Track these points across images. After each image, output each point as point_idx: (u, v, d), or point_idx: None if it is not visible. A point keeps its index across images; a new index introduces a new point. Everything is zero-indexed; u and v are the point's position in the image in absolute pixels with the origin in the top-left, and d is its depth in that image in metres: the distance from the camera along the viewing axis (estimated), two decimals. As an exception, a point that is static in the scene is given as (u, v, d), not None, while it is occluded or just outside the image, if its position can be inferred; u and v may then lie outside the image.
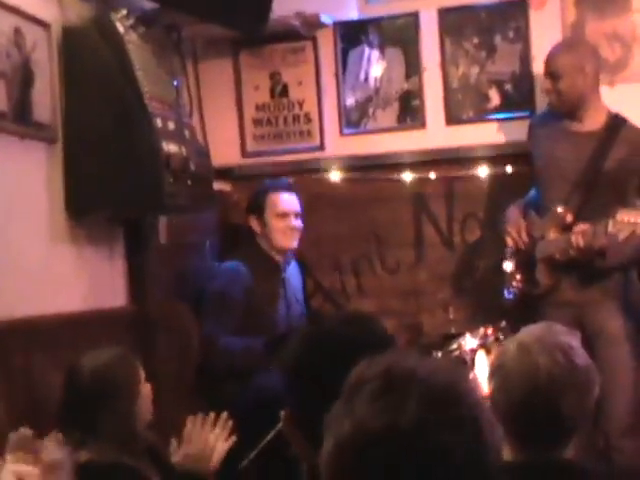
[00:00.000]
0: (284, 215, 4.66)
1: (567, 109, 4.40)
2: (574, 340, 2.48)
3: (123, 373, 2.83)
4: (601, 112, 4.37)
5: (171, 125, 3.97)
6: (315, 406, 1.85)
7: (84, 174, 3.81)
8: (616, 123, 4.40)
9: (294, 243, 4.69)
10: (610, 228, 3.92)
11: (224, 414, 3.09)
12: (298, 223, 4.69)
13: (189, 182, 4.01)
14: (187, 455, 2.99)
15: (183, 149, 3.98)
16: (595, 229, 4.02)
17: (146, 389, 2.89)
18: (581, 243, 4.06)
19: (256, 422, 3.60)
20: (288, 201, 4.73)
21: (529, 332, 2.50)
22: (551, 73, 4.38)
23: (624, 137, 4.35)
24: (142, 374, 2.87)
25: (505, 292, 4.55)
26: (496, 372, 2.47)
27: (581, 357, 2.43)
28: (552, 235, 4.32)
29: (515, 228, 4.50)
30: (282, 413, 2.08)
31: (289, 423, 2.05)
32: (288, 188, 4.82)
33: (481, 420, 1.40)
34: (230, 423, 3.08)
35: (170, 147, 3.87)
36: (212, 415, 3.06)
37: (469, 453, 1.37)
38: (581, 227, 4.13)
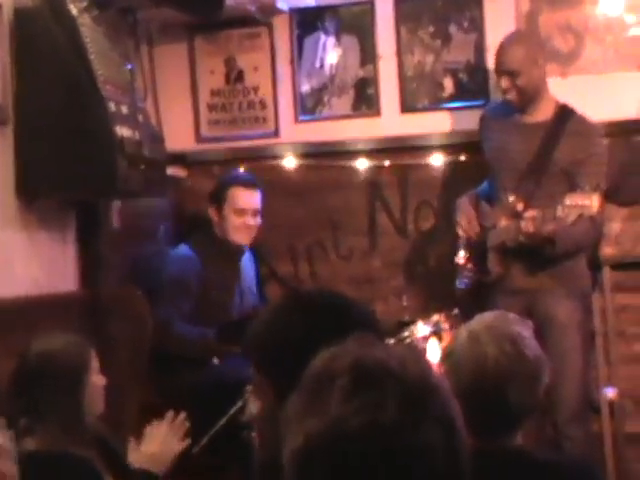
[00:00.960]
0: (242, 212, 4.66)
1: (525, 103, 4.44)
2: (525, 329, 2.50)
3: (71, 359, 2.78)
4: (550, 103, 4.42)
5: (125, 109, 3.94)
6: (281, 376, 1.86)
7: (35, 157, 3.78)
8: (564, 114, 4.45)
9: (248, 240, 4.70)
10: (559, 212, 3.96)
11: (182, 414, 3.08)
12: (255, 221, 4.69)
13: (142, 167, 3.99)
14: (144, 454, 2.98)
15: (137, 133, 3.95)
16: (544, 214, 4.04)
17: (99, 380, 2.84)
18: (531, 229, 4.08)
19: (210, 409, 3.62)
20: (248, 198, 4.72)
21: (481, 320, 2.51)
22: (509, 71, 4.39)
23: (572, 127, 4.40)
24: (95, 364, 2.83)
25: (457, 282, 4.59)
26: (446, 359, 2.49)
27: (530, 347, 2.45)
28: (503, 223, 4.33)
29: (466, 218, 4.54)
30: (247, 388, 2.10)
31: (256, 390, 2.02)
32: (251, 185, 4.81)
33: (455, 414, 1.41)
34: (186, 424, 3.08)
35: (123, 131, 3.84)
36: (170, 414, 3.05)
37: (447, 450, 1.37)
38: (530, 213, 4.15)
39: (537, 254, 4.28)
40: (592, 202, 3.90)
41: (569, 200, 3.95)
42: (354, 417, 1.35)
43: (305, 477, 1.39)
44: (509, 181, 4.40)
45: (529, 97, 4.41)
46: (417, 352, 1.61)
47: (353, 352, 1.43)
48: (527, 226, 4.11)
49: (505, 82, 4.40)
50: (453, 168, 5.15)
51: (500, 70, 4.44)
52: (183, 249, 4.65)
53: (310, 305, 2.06)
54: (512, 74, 4.37)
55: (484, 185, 4.64)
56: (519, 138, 4.48)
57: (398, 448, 1.35)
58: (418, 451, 1.35)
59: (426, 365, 1.48)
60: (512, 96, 4.41)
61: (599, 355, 4.73)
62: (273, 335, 2.00)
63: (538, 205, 4.18)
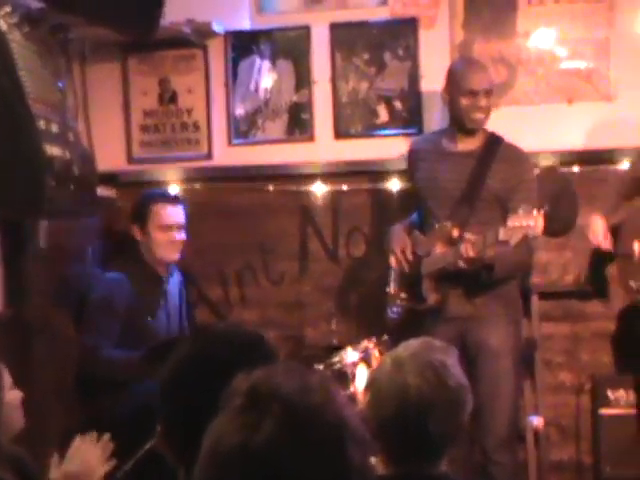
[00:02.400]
0: (167, 228, 4.62)
1: (481, 127, 4.49)
2: (450, 358, 2.51)
3: None
4: (480, 132, 4.47)
5: (55, 127, 3.91)
6: (188, 421, 1.96)
7: (-39, 173, 3.66)
8: (494, 142, 4.48)
9: (175, 256, 4.66)
10: (501, 235, 3.97)
11: (106, 435, 3.04)
12: (181, 236, 4.65)
13: (72, 186, 3.96)
14: (67, 474, 2.91)
15: (67, 152, 3.93)
16: (485, 238, 4.07)
17: (13, 396, 2.76)
18: (471, 253, 4.08)
19: (133, 433, 3.59)
20: (172, 214, 4.68)
21: (406, 347, 2.52)
22: (487, 90, 4.41)
23: (503, 155, 4.42)
24: (7, 380, 2.74)
25: (389, 311, 4.58)
26: (370, 386, 2.49)
27: (453, 376, 2.46)
28: (439, 250, 4.34)
29: (399, 246, 4.54)
30: (158, 428, 2.07)
31: (162, 439, 2.05)
32: (173, 200, 4.78)
33: (345, 441, 1.40)
34: (111, 445, 3.02)
35: (53, 150, 3.77)
36: (94, 434, 3.00)
37: (327, 472, 1.36)
38: (470, 237, 4.16)
39: (471, 280, 4.29)
40: (536, 222, 3.90)
41: (511, 222, 3.95)
42: (232, 436, 1.37)
43: None
44: (442, 209, 4.42)
45: (488, 119, 4.47)
46: (330, 381, 1.52)
47: (256, 377, 1.45)
48: (467, 250, 4.10)
49: (483, 101, 4.41)
50: (385, 195, 5.16)
51: (477, 89, 4.42)
52: (116, 273, 4.60)
53: (206, 357, 2.07)
54: (487, 93, 4.41)
55: (414, 216, 4.66)
56: (450, 167, 4.49)
57: (271, 470, 1.35)
58: (292, 474, 1.35)
59: (330, 393, 1.47)
60: (482, 115, 4.45)
61: (525, 383, 4.73)
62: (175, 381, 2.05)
63: (472, 232, 4.19)
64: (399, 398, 2.24)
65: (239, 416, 1.40)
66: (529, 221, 3.90)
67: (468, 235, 4.19)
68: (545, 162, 4.81)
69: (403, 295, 4.57)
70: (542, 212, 3.95)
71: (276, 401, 1.40)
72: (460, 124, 4.48)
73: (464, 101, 4.39)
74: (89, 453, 2.94)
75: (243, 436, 1.37)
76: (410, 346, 2.54)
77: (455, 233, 4.26)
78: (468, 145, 4.48)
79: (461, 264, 4.17)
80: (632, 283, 4.62)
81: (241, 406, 1.41)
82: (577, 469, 4.95)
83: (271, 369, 1.50)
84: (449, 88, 4.51)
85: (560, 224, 4.70)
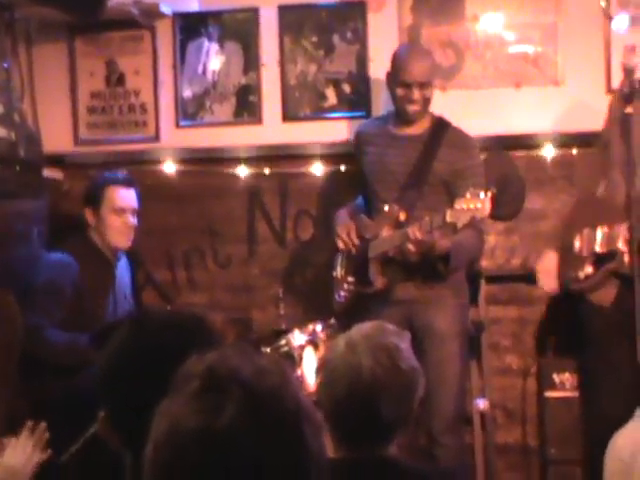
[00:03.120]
0: (121, 211, 4.59)
1: (422, 115, 4.51)
2: (403, 342, 2.53)
3: None
4: (427, 116, 4.50)
5: (0, 108, 3.89)
6: (131, 406, 1.94)
7: None
8: (441, 126, 4.53)
9: (128, 242, 4.65)
10: (448, 218, 4.01)
11: (42, 424, 3.03)
12: (134, 221, 4.63)
13: (17, 168, 3.99)
14: (3, 467, 2.92)
15: (12, 134, 3.96)
16: (432, 220, 4.10)
17: None
18: (418, 235, 4.11)
19: (79, 418, 3.59)
20: (126, 197, 4.64)
21: (358, 330, 2.52)
22: (422, 83, 4.43)
23: (449, 139, 4.47)
24: None
25: (336, 296, 4.60)
26: (323, 368, 2.49)
27: (406, 360, 2.48)
28: (386, 233, 4.36)
29: (345, 230, 4.56)
30: (100, 414, 2.05)
31: (105, 425, 2.03)
32: (128, 183, 4.72)
33: (303, 424, 1.41)
34: (47, 435, 3.03)
35: (-2, 131, 3.76)
36: (29, 424, 3.00)
37: (287, 456, 1.37)
38: (417, 220, 4.19)
39: (420, 266, 4.32)
40: (484, 205, 3.95)
41: (458, 204, 3.99)
42: (192, 418, 1.36)
43: (155, 476, 1.40)
44: (389, 193, 4.44)
45: (427, 109, 4.48)
46: (283, 364, 1.52)
47: (211, 359, 1.44)
48: (414, 232, 4.12)
49: (416, 94, 4.41)
50: (333, 178, 5.20)
51: (410, 82, 4.44)
52: (61, 255, 4.55)
53: (149, 343, 2.05)
54: (422, 85, 4.42)
55: (359, 200, 4.71)
56: (397, 151, 4.52)
57: (233, 452, 1.36)
58: (253, 456, 1.36)
59: (286, 376, 1.48)
60: (417, 107, 4.46)
61: (472, 366, 4.78)
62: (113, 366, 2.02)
63: (419, 216, 4.22)
64: (352, 379, 2.25)
65: (198, 399, 1.39)
66: (476, 204, 3.93)
67: (415, 218, 4.22)
68: (491, 146, 4.83)
69: (350, 279, 4.58)
70: (489, 195, 3.97)
71: (236, 384, 1.40)
72: (398, 112, 4.54)
73: (399, 91, 4.44)
74: (25, 445, 2.95)
75: (203, 419, 1.36)
76: (363, 329, 2.55)
77: (402, 217, 4.29)
78: (415, 129, 4.51)
79: (409, 246, 4.18)
80: (570, 273, 4.65)
81: (199, 389, 1.40)
82: (523, 451, 5.05)
83: (224, 351, 1.49)
84: (389, 76, 4.56)
85: (507, 208, 4.76)
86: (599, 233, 4.47)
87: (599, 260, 4.50)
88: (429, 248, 4.25)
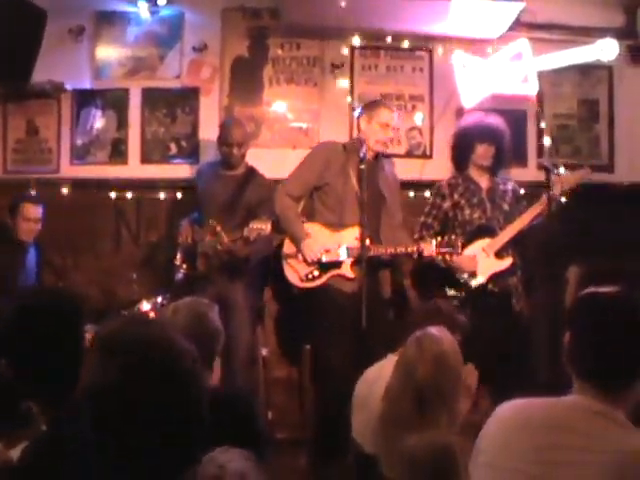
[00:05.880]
0: (28, 220, 5.30)
1: (239, 163, 5.25)
2: (211, 310, 2.91)
3: None
4: (243, 164, 5.38)
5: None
6: (26, 368, 2.11)
7: None
8: (250, 171, 5.42)
9: (31, 239, 5.36)
10: (245, 233, 4.74)
11: None
12: (37, 227, 5.30)
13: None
14: None
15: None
16: (234, 232, 4.92)
17: None
18: (225, 240, 4.96)
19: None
20: (33, 211, 5.34)
21: (183, 302, 2.93)
22: (238, 143, 5.22)
23: (256, 181, 5.34)
24: None
25: (176, 275, 5.29)
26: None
27: (212, 322, 2.82)
28: (207, 239, 5.13)
29: (184, 234, 5.28)
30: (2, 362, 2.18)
31: (6, 370, 2.18)
32: (36, 201, 5.36)
33: (190, 373, 1.50)
34: None
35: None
36: None
37: (176, 405, 1.45)
38: (223, 233, 4.97)
39: (229, 261, 5.08)
40: (267, 227, 4.68)
41: (252, 225, 4.70)
42: (93, 377, 1.44)
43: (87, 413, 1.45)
44: (212, 212, 5.21)
45: (242, 159, 5.26)
46: (163, 327, 1.57)
47: (105, 327, 1.51)
48: (223, 238, 4.98)
49: (236, 150, 5.18)
50: (173, 201, 5.95)
51: (230, 142, 5.19)
52: None
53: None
54: (239, 145, 5.23)
55: (195, 214, 5.40)
56: (220, 185, 5.30)
57: (123, 403, 1.40)
58: (142, 406, 1.41)
59: (168, 331, 1.55)
60: (235, 160, 5.22)
61: (258, 328, 5.57)
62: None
63: (231, 230, 4.97)
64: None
65: (98, 360, 1.45)
66: (262, 225, 4.71)
67: (224, 230, 4.99)
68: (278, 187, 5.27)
69: (184, 266, 5.30)
70: (271, 220, 4.79)
71: (120, 343, 1.46)
72: (223, 161, 5.32)
73: (224, 149, 5.26)
74: None
75: (96, 375, 1.42)
76: (186, 301, 2.94)
77: (218, 228, 5.06)
78: (235, 172, 5.36)
79: (219, 247, 4.99)
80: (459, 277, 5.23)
81: (99, 351, 1.45)
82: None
83: (123, 320, 1.57)
84: (219, 139, 5.31)
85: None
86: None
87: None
88: (229, 252, 4.97)
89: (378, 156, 5.15)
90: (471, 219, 5.35)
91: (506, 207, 5.42)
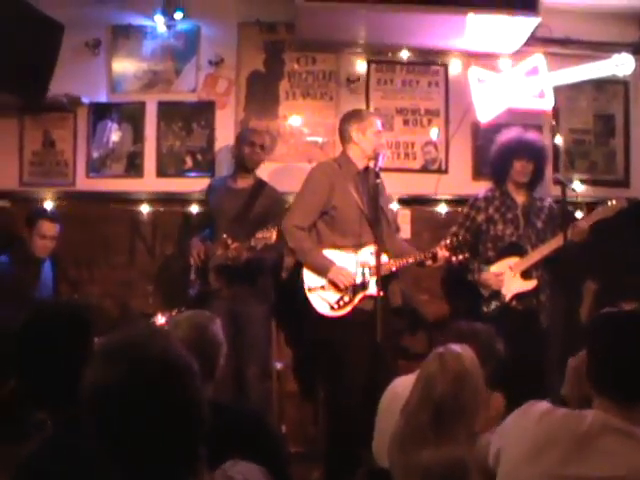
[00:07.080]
0: (44, 237, 5.28)
1: (256, 166, 5.30)
2: (212, 323, 2.88)
3: None
4: (252, 176, 5.44)
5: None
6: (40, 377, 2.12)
7: None
8: (260, 184, 5.46)
9: (46, 255, 5.32)
10: (252, 243, 4.81)
11: None
12: (53, 244, 5.26)
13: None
14: None
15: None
16: (242, 245, 4.93)
17: None
18: (235, 254, 4.95)
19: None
20: (49, 229, 5.28)
21: (185, 314, 2.94)
22: (262, 144, 5.35)
23: (266, 193, 5.37)
24: None
25: (190, 291, 5.29)
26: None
27: (214, 334, 2.80)
28: (219, 252, 5.11)
29: (196, 251, 5.29)
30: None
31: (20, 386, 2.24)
32: (53, 218, 5.32)
33: (187, 375, 1.53)
34: None
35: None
36: None
37: (176, 405, 1.49)
38: (234, 245, 4.93)
39: (240, 274, 5.07)
40: (272, 236, 4.74)
41: (259, 234, 4.77)
42: (96, 378, 1.48)
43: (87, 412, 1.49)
44: (223, 226, 5.21)
45: (259, 164, 5.31)
46: (164, 335, 1.62)
47: (110, 336, 1.54)
48: (232, 253, 4.98)
49: (259, 150, 5.27)
50: (188, 215, 5.89)
51: (253, 141, 5.30)
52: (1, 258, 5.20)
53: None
54: (262, 147, 5.35)
55: (207, 231, 5.42)
56: (231, 199, 5.32)
57: (126, 404, 1.45)
58: (141, 406, 1.45)
59: (169, 340, 1.59)
60: (255, 161, 5.31)
61: (273, 340, 5.60)
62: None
63: (243, 242, 4.98)
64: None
65: (100, 364, 1.49)
66: (269, 234, 4.78)
67: (234, 243, 4.99)
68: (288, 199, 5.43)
69: (198, 282, 5.28)
70: (276, 229, 4.78)
71: (126, 350, 1.50)
72: (241, 164, 5.31)
73: (246, 149, 5.30)
74: None
75: (103, 377, 1.46)
76: (189, 314, 2.94)
77: (230, 242, 5.03)
78: (244, 184, 5.36)
79: (229, 262, 5.00)
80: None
81: (101, 355, 1.50)
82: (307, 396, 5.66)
83: (128, 330, 1.59)
84: (237, 143, 5.37)
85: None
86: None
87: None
88: (234, 258, 4.95)
89: (368, 167, 5.09)
90: (503, 235, 5.39)
91: (540, 225, 5.44)
